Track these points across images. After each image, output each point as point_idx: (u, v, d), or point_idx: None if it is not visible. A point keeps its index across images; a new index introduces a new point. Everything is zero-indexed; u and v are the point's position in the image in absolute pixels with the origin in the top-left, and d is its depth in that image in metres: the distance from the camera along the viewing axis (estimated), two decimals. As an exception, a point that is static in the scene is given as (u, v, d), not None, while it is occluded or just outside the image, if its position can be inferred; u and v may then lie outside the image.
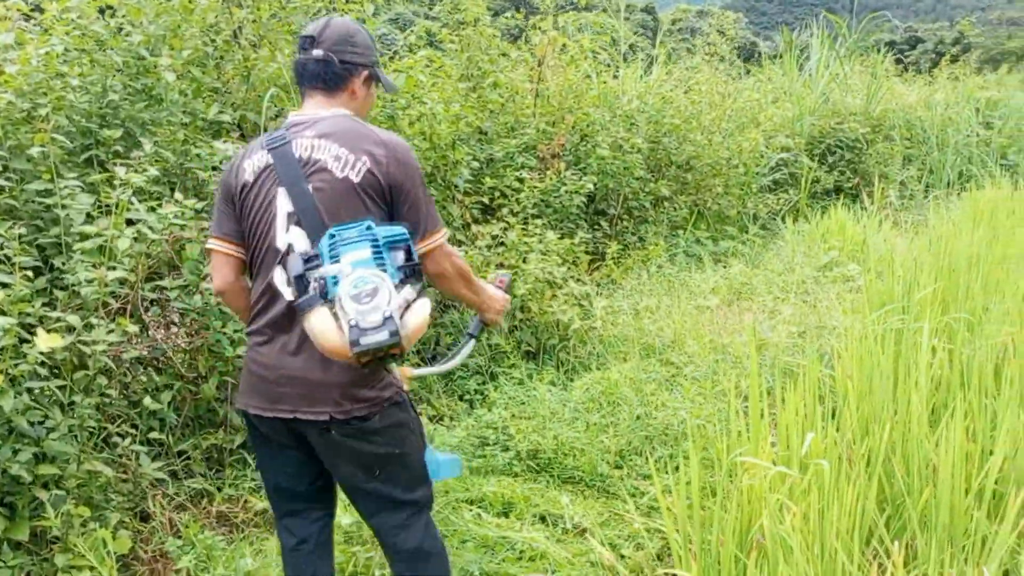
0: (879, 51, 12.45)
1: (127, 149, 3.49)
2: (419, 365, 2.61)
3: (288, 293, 1.88)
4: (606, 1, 10.38)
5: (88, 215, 3.12)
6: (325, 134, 1.95)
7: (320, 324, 1.73)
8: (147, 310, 3.32)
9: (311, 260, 1.79)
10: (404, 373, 2.03)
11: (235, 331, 3.32)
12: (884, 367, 3.04)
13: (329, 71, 2.03)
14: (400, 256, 1.81)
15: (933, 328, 3.50)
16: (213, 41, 4.38)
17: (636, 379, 4.23)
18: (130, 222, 3.12)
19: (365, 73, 2.09)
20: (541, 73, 6.61)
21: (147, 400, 3.05)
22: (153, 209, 3.21)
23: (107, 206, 3.05)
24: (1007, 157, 12.51)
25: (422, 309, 1.77)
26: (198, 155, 3.66)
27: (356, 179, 1.91)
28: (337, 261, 1.74)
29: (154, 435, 3.13)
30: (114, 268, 2.93)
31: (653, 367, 4.48)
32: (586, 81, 7.13)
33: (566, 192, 5.94)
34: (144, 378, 3.20)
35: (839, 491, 2.28)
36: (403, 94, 4.99)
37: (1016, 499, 2.14)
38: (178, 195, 3.31)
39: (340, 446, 1.99)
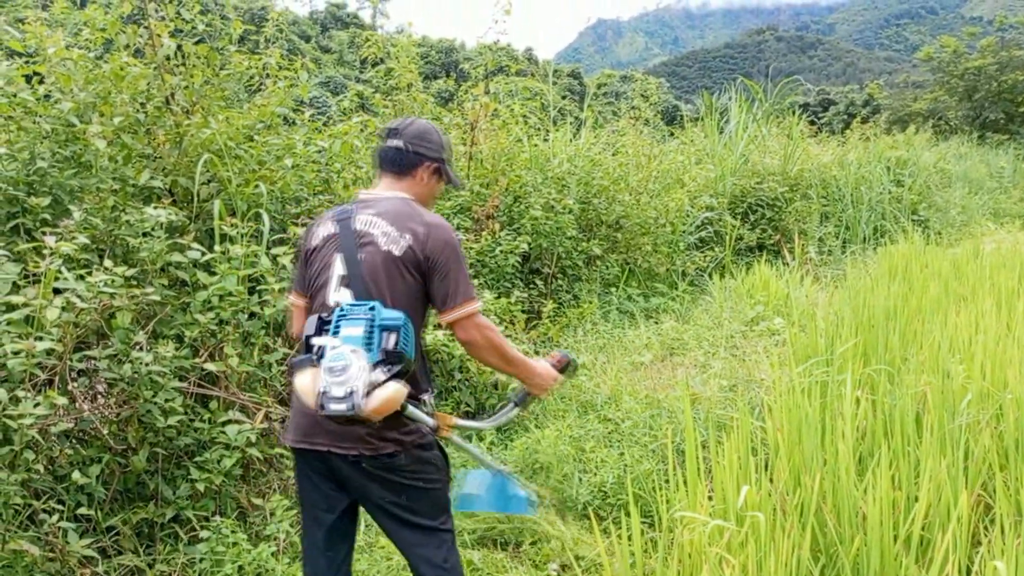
0: (794, 113, 13.02)
1: (55, 217, 3.43)
2: (467, 416, 2.60)
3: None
4: (534, 67, 10.67)
5: (15, 284, 3.05)
6: (381, 213, 2.30)
7: (302, 382, 1.99)
8: (74, 380, 3.23)
9: (323, 325, 2.04)
10: (446, 420, 2.28)
11: (166, 400, 3.25)
12: (812, 418, 3.14)
13: (402, 158, 2.40)
14: (391, 340, 2.01)
15: (856, 379, 3.64)
16: (143, 107, 4.35)
17: (575, 437, 4.26)
18: (58, 291, 3.06)
19: (433, 165, 2.44)
20: (474, 137, 6.75)
21: (75, 474, 2.94)
22: (82, 277, 3.15)
23: (35, 275, 2.99)
24: (918, 213, 13.15)
25: (385, 392, 1.94)
26: (128, 222, 3.61)
27: (398, 253, 2.23)
28: (336, 334, 1.99)
29: (82, 511, 3.02)
30: (41, 338, 2.85)
31: (591, 424, 4.52)
32: (518, 144, 7.29)
33: (501, 252, 6.04)
34: (71, 451, 3.09)
35: (775, 542, 2.34)
36: (338, 158, 5.03)
37: (941, 544, 2.22)
38: (107, 262, 3.25)
39: (371, 475, 2.24)
